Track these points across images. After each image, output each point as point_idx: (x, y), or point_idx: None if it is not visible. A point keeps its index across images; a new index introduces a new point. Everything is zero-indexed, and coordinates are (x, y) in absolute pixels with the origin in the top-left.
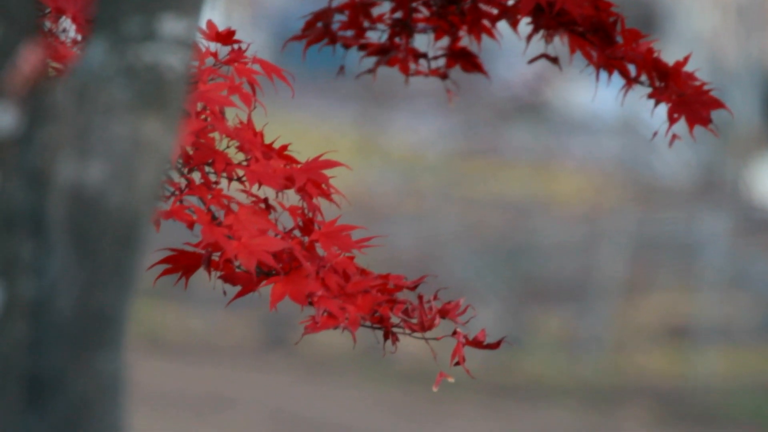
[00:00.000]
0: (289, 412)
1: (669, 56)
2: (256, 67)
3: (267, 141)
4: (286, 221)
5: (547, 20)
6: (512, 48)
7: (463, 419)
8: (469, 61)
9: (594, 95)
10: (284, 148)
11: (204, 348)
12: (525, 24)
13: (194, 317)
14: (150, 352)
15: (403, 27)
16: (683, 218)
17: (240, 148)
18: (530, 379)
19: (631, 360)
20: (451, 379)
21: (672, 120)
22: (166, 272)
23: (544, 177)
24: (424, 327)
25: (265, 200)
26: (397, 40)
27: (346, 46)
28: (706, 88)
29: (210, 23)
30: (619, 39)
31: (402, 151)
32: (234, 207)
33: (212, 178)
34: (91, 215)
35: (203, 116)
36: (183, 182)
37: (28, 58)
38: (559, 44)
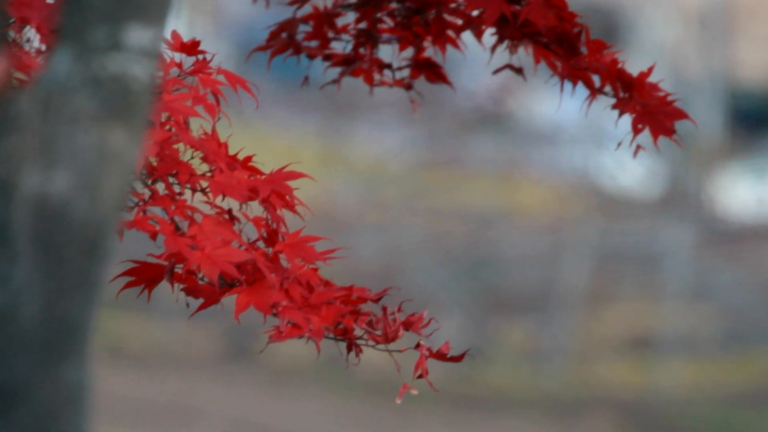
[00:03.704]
0: (253, 422)
1: (633, 67)
2: (221, 78)
3: (231, 152)
4: (250, 232)
5: (512, 31)
6: (476, 58)
7: (426, 431)
8: (433, 72)
9: (558, 106)
10: (248, 159)
11: (167, 359)
12: (489, 35)
13: (157, 328)
14: (113, 363)
15: (368, 37)
16: (646, 229)
17: (204, 159)
18: (493, 390)
19: (595, 371)
20: (414, 391)
21: (636, 131)
22: (129, 285)
23: (507, 188)
24: (388, 339)
25: (229, 211)
26: (361, 50)
27: (311, 57)
28: (669, 98)
29: (174, 34)
30: (584, 50)
31: (366, 162)
32: (198, 218)
33: (176, 188)
34: (55, 225)
35: (168, 127)
36: (147, 193)
37: None
38: (524, 55)
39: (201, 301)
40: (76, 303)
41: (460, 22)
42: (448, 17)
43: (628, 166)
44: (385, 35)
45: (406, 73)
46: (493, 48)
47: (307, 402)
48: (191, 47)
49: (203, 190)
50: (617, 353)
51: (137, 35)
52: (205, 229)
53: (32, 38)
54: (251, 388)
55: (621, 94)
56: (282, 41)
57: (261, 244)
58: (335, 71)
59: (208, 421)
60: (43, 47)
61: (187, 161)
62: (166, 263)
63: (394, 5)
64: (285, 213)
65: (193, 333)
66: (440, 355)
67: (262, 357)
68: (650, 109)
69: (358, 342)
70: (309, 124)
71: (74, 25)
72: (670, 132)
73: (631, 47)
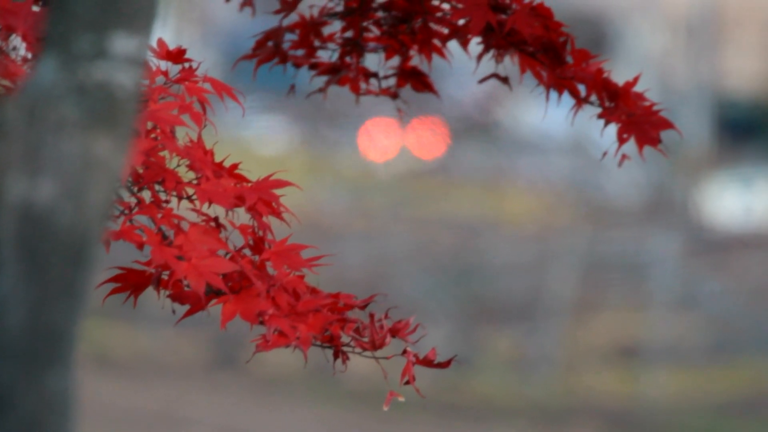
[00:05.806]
0: (239, 431)
1: (619, 76)
2: (207, 86)
3: (217, 160)
4: (237, 240)
5: (498, 40)
6: (463, 67)
7: None
8: (419, 81)
9: (544, 115)
10: (235, 167)
11: (154, 367)
12: (475, 43)
13: (143, 336)
14: (99, 371)
15: (354, 46)
16: (633, 238)
17: (190, 167)
18: (480, 398)
19: (581, 380)
20: (401, 399)
21: (621, 140)
22: (114, 291)
23: (494, 196)
24: (375, 346)
25: (216, 219)
26: (347, 59)
27: (297, 65)
28: (655, 108)
29: (161, 42)
30: (569, 59)
31: (352, 171)
32: (184, 226)
33: (162, 197)
34: (40, 233)
35: (153, 135)
36: (133, 201)
37: None
38: (510, 64)
39: (187, 307)
40: (60, 311)
41: (446, 31)
42: (434, 26)
43: (615, 175)
44: (371, 44)
45: (392, 81)
46: (479, 57)
47: (294, 410)
48: (177, 55)
49: (190, 198)
50: (604, 362)
51: (123, 43)
52: (191, 239)
53: (18, 46)
54: (238, 397)
55: (606, 104)
56: (268, 50)
57: (247, 251)
58: (321, 80)
59: (195, 430)
60: (29, 55)
61: (173, 169)
62: (152, 270)
63: (380, 14)
64: (272, 221)
65: (179, 341)
66: (427, 362)
67: (249, 365)
68: (636, 119)
69: (345, 349)
70: (295, 132)
71: (60, 33)
72: (655, 141)
73: (619, 57)
